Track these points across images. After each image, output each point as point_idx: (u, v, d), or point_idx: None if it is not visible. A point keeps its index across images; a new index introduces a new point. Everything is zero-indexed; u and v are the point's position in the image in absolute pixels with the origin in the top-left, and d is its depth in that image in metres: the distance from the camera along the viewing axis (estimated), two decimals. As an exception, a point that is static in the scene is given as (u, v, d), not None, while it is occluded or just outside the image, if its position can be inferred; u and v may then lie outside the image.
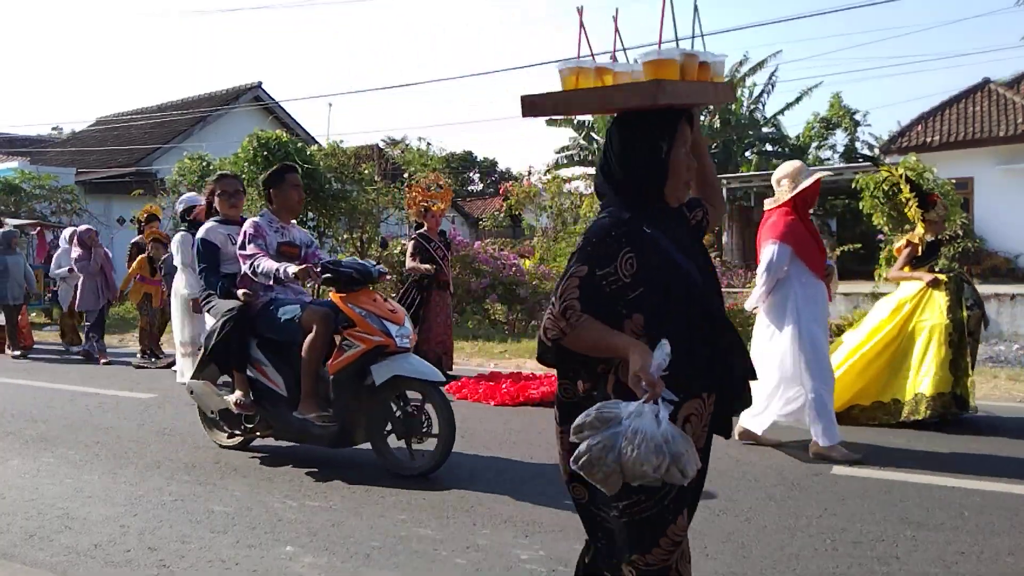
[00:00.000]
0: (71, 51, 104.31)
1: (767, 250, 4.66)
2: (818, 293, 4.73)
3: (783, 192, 4.77)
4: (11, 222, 13.46)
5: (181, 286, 7.47)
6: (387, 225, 14.95)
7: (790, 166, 4.83)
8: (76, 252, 9.64)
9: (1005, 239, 16.87)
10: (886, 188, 9.35)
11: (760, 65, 25.22)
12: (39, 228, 15.26)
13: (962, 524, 3.60)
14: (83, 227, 10.23)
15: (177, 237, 7.62)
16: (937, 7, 57.59)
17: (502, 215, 19.56)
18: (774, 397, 4.80)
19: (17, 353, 10.00)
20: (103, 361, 9.26)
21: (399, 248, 14.14)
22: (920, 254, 5.69)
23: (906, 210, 5.87)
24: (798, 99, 25.99)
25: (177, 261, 7.50)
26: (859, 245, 13.27)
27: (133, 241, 9.99)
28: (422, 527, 3.60)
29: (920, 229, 5.74)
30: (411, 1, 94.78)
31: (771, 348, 4.78)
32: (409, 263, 7.68)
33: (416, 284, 7.76)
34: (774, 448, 4.93)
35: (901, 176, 5.96)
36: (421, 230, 7.94)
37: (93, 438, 5.40)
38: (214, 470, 4.58)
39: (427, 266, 7.57)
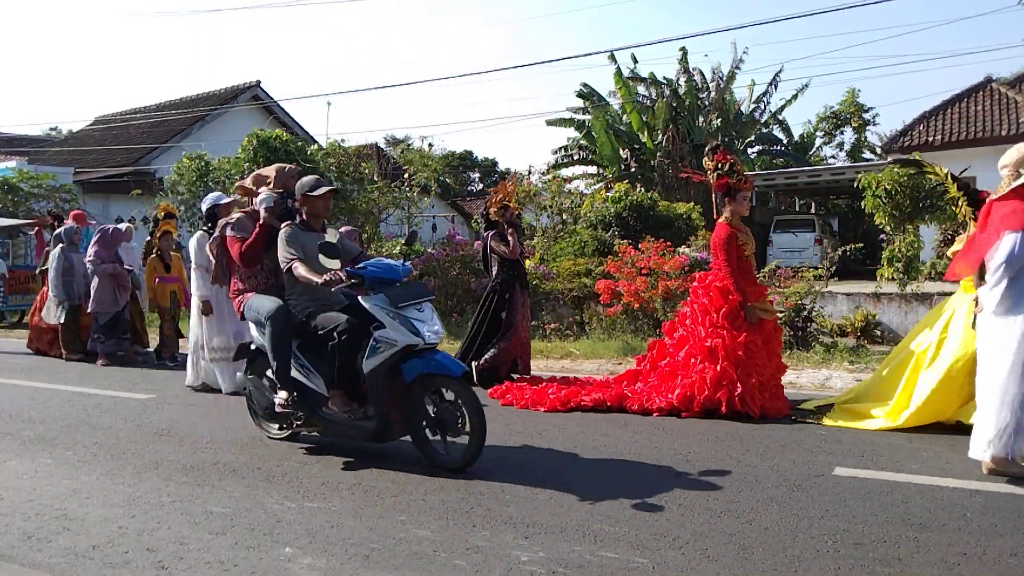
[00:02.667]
0: (69, 50, 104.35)
1: (1008, 240, 4.28)
2: None
3: (1006, 180, 4.47)
4: (7, 222, 13.34)
5: (195, 288, 7.39)
6: (387, 225, 14.94)
7: (1016, 153, 4.49)
8: (93, 250, 9.22)
9: (1006, 238, 16.77)
10: (888, 187, 9.30)
11: (740, 61, 25.53)
12: (37, 228, 15.22)
13: (965, 525, 3.58)
14: (112, 226, 9.86)
15: (194, 239, 7.50)
16: (938, 6, 57.62)
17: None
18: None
19: (76, 357, 9.52)
20: (100, 363, 9.06)
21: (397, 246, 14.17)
22: None
23: (956, 210, 5.63)
24: (794, 97, 26.24)
25: (193, 261, 7.41)
26: (861, 244, 13.31)
27: (147, 240, 9.87)
28: (421, 528, 3.58)
29: (972, 228, 5.28)
30: (411, 1, 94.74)
31: (1007, 353, 4.23)
32: (502, 249, 7.41)
33: (499, 288, 7.52)
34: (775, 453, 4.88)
35: (947, 175, 5.68)
36: (492, 230, 7.61)
37: (91, 439, 5.38)
38: (212, 471, 4.56)
39: (511, 236, 7.38)
